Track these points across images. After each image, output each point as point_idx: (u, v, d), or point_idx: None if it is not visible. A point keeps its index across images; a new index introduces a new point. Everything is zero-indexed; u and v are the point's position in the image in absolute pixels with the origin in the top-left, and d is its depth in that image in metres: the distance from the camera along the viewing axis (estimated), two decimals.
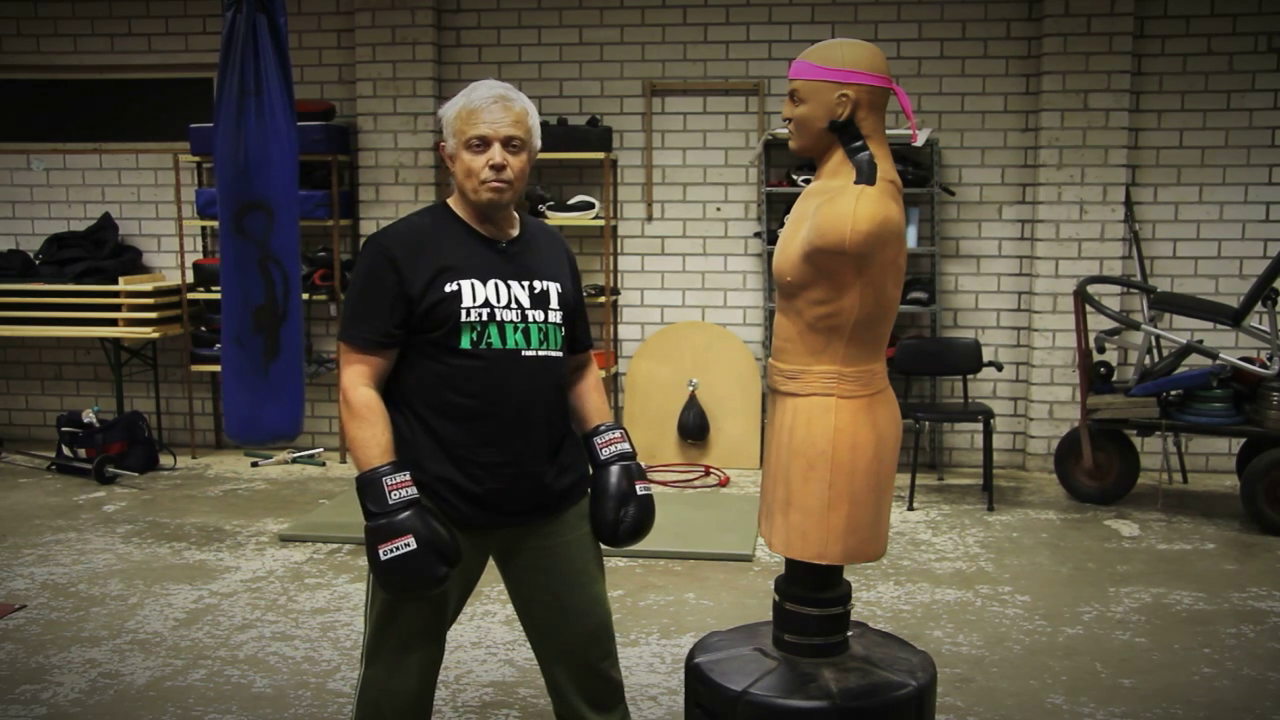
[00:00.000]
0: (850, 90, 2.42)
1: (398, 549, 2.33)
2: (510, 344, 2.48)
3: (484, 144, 2.43)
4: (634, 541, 2.64)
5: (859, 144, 2.45)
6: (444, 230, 2.52)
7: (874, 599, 4.49)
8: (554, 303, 2.57)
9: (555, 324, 2.57)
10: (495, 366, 2.47)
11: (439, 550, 2.36)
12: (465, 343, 2.45)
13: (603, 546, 2.69)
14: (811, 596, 2.57)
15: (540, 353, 2.54)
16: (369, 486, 2.37)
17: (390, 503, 2.35)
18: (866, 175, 2.41)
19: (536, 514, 2.57)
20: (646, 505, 2.63)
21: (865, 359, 2.49)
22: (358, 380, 2.45)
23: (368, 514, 2.37)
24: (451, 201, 2.58)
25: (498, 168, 2.44)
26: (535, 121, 2.52)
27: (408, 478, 2.39)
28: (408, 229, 2.53)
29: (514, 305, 2.50)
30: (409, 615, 2.52)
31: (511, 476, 2.50)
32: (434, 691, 2.64)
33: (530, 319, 2.52)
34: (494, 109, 2.44)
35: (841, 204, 2.36)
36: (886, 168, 2.44)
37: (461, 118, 2.45)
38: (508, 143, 2.45)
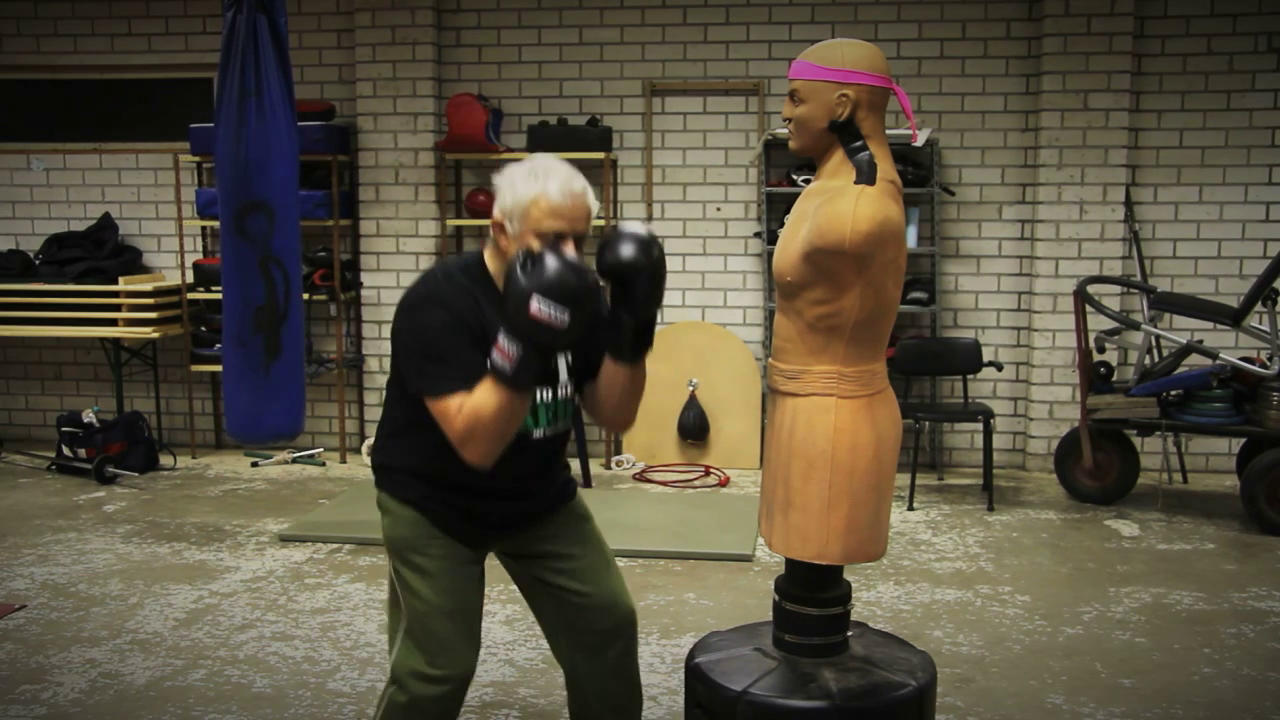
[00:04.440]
0: (850, 90, 2.42)
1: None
2: (522, 427, 2.50)
3: (558, 238, 2.41)
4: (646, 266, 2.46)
5: (859, 144, 2.45)
6: (484, 297, 2.49)
7: (874, 599, 4.49)
8: (563, 376, 2.60)
9: (564, 399, 2.62)
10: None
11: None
12: None
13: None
14: (811, 596, 2.57)
15: (548, 432, 2.61)
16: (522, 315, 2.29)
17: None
18: (866, 175, 2.41)
19: (528, 523, 2.69)
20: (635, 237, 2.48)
21: (865, 359, 2.49)
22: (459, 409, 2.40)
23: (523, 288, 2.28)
24: (489, 258, 2.54)
25: None
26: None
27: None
28: (455, 292, 2.47)
29: None
30: (454, 590, 2.58)
31: (507, 515, 2.62)
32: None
33: (540, 399, 2.55)
34: (576, 207, 2.42)
35: (841, 204, 2.36)
36: (886, 168, 2.44)
37: (540, 207, 2.40)
38: (579, 239, 2.45)
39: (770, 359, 2.61)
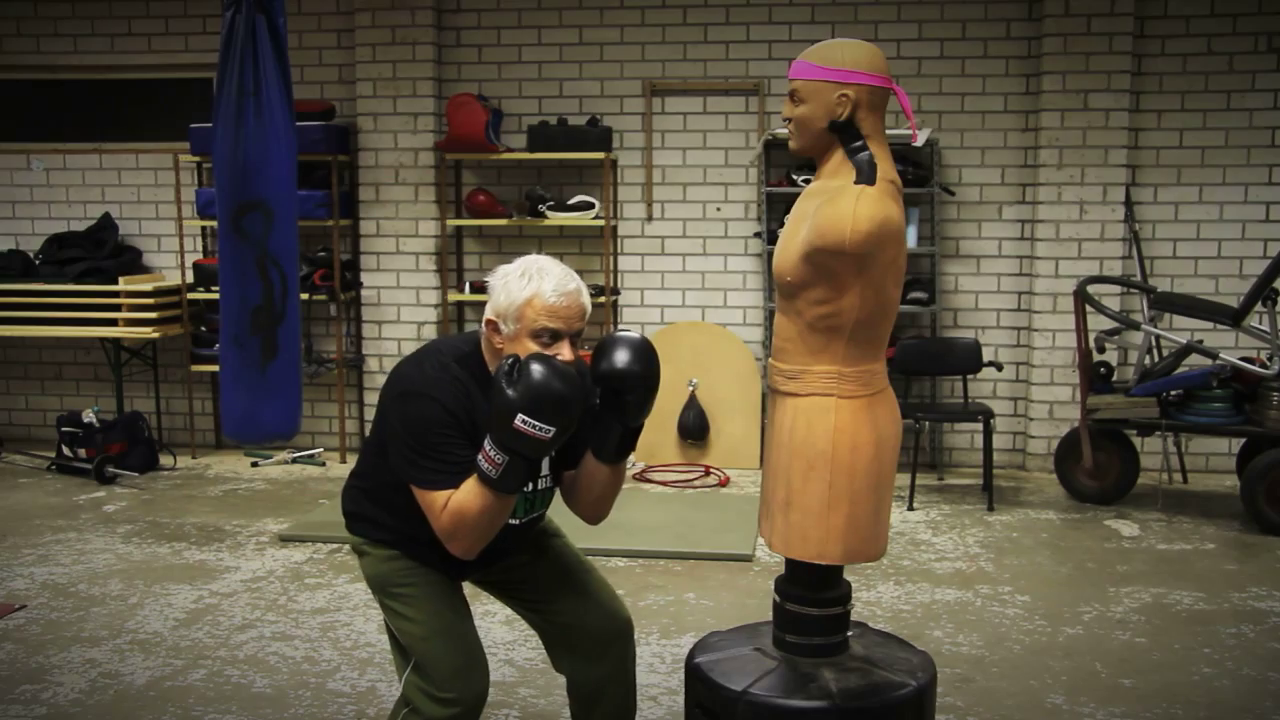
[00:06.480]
0: (850, 90, 2.42)
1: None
2: None
3: (554, 338, 2.40)
4: (639, 381, 2.46)
5: (859, 144, 2.45)
6: (478, 390, 2.47)
7: (874, 599, 4.49)
8: (544, 469, 2.59)
9: (544, 489, 2.63)
10: None
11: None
12: None
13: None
14: (811, 596, 2.57)
15: (525, 520, 2.62)
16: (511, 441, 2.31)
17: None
18: (866, 175, 2.41)
19: (503, 557, 2.70)
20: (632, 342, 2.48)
21: (865, 359, 2.49)
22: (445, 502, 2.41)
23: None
24: (485, 349, 2.52)
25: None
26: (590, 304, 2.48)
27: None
28: (450, 385, 2.45)
29: None
30: (443, 612, 2.60)
31: (482, 557, 2.57)
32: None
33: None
34: (571, 307, 2.40)
35: (841, 204, 2.36)
36: (886, 168, 2.44)
37: (535, 307, 2.38)
38: (575, 337, 2.43)
39: (770, 359, 2.61)
